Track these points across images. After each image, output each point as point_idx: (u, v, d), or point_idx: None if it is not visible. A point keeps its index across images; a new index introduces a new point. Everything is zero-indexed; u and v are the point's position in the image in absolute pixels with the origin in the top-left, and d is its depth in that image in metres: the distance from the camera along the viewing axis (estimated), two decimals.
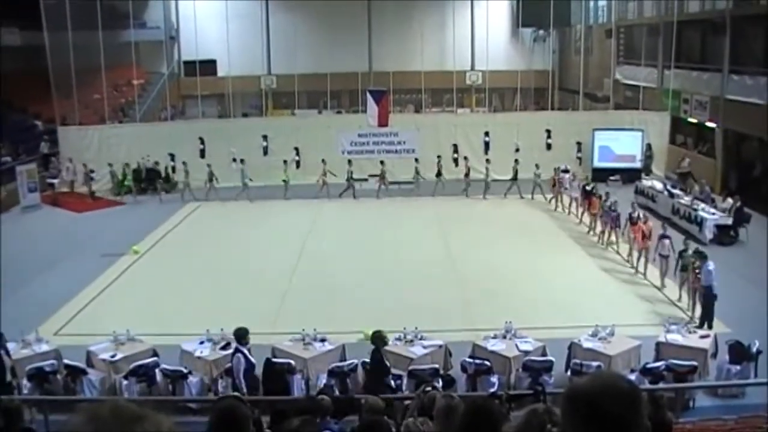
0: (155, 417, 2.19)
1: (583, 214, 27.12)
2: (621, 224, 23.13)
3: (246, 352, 12.80)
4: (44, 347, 14.72)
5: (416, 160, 32.65)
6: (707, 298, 16.65)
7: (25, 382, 13.71)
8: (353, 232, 26.69)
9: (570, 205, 28.41)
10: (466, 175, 31.59)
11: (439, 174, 31.72)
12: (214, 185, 31.44)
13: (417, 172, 32.11)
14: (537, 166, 30.40)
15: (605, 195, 24.98)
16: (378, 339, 13.36)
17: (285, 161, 32.12)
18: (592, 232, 25.44)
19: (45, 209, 30.99)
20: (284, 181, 31.46)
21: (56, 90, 34.09)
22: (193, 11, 40.11)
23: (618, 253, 23.11)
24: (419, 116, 40.03)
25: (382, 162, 32.33)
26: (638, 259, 21.31)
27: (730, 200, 25.47)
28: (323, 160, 31.63)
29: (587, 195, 26.43)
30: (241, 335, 12.85)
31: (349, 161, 32.23)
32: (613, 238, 23.84)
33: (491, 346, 14.30)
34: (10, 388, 13.09)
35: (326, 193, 31.28)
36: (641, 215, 22.07)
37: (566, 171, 29.84)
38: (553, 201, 29.47)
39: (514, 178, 30.75)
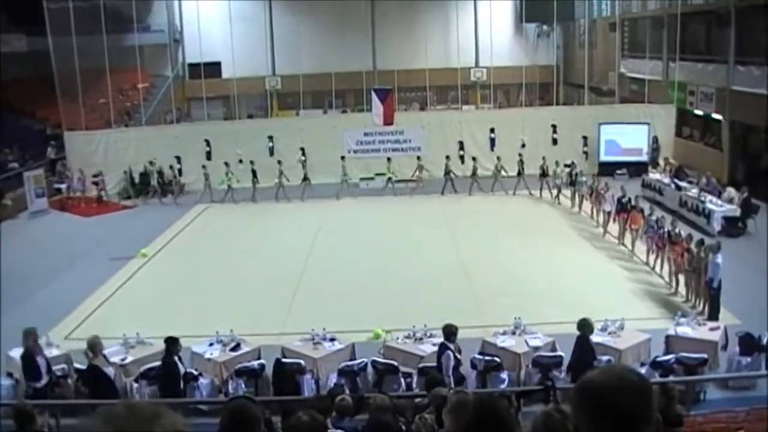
0: (171, 415, 2.22)
1: (597, 215, 25.88)
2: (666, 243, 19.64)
3: (452, 348, 12.82)
4: (54, 352, 14.73)
5: (418, 158, 32.68)
6: (710, 291, 16.62)
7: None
8: (361, 231, 26.69)
9: (581, 203, 27.83)
10: (473, 174, 31.53)
11: (447, 173, 31.63)
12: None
13: (421, 170, 32.10)
14: (557, 163, 30.10)
15: (649, 209, 22.06)
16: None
17: (279, 161, 31.96)
18: (623, 246, 23.00)
19: (53, 214, 31.08)
20: (285, 180, 31.40)
21: (62, 95, 34.16)
22: (196, 14, 40.13)
23: (660, 276, 20.23)
24: (424, 114, 39.99)
25: (419, 158, 32.40)
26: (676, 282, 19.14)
27: (731, 190, 25.43)
28: (419, 158, 31.94)
29: (624, 208, 23.21)
30: (451, 332, 12.85)
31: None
32: (650, 257, 21.12)
33: (501, 343, 14.30)
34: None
35: (422, 189, 31.41)
36: (680, 232, 19.33)
37: (569, 165, 29.68)
38: (560, 198, 29.41)
39: (520, 174, 30.70)
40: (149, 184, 33.11)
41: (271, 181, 31.46)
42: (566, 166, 29.59)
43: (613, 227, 24.29)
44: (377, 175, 32.76)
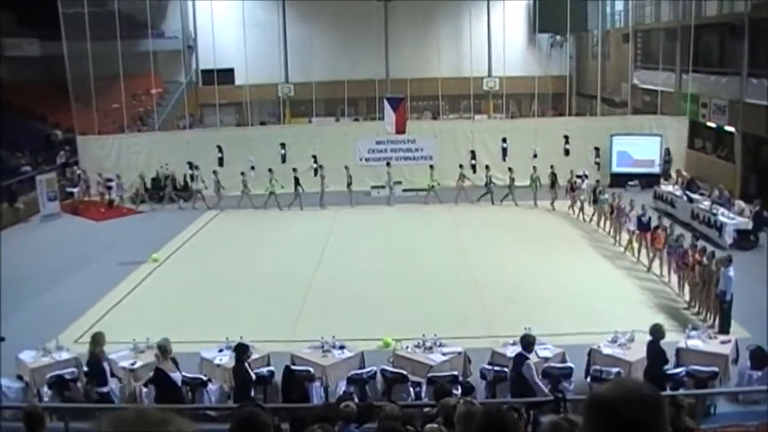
0: (180, 421, 2.23)
1: (619, 234, 24.78)
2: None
3: (530, 357, 12.54)
4: (64, 355, 14.78)
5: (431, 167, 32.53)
6: (721, 304, 16.55)
7: (45, 389, 13.81)
8: (371, 239, 26.71)
9: (603, 221, 27.01)
10: (487, 184, 31.48)
11: (488, 183, 31.41)
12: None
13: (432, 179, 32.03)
14: (579, 175, 29.78)
15: (669, 227, 21.25)
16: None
17: (294, 169, 31.90)
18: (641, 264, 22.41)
19: (65, 218, 31.20)
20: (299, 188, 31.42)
21: (75, 99, 34.36)
22: (210, 20, 40.25)
23: (679, 294, 19.68)
24: (436, 123, 39.99)
25: (461, 165, 32.05)
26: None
27: (741, 203, 25.33)
28: (461, 165, 31.78)
29: (645, 227, 22.33)
30: (529, 342, 12.64)
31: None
32: (671, 275, 20.61)
33: (510, 353, 14.24)
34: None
35: (465, 197, 31.30)
36: (699, 245, 19.05)
37: (581, 176, 29.56)
38: (573, 208, 29.12)
39: (534, 185, 30.52)
40: (162, 189, 33.17)
41: (285, 188, 31.46)
42: (578, 177, 29.44)
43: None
44: (396, 183, 32.73)
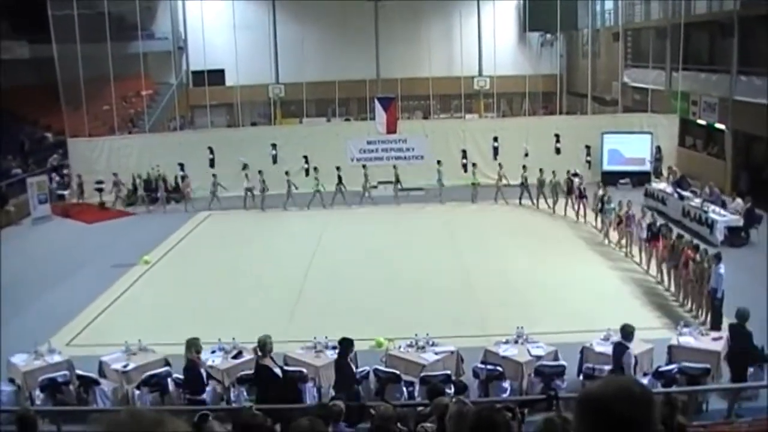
0: (174, 421, 2.23)
1: (629, 245, 23.31)
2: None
3: (630, 347, 12.64)
4: (56, 358, 14.71)
5: (439, 162, 32.27)
6: (713, 301, 16.61)
7: (38, 392, 13.76)
8: (363, 239, 26.69)
9: (585, 214, 27.38)
10: (475, 181, 31.57)
11: (500, 178, 31.18)
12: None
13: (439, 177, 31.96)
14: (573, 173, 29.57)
15: (676, 235, 20.25)
16: None
17: (287, 172, 31.84)
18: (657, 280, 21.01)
19: (56, 220, 31.10)
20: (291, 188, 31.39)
21: (65, 102, 34.26)
22: (200, 21, 40.21)
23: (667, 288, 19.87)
24: (428, 122, 39.98)
25: (500, 165, 31.33)
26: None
27: (739, 201, 25.38)
28: (500, 165, 31.27)
29: (656, 236, 21.00)
30: (629, 332, 12.71)
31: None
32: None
33: (503, 352, 14.26)
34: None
35: (501, 195, 31.11)
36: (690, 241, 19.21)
37: (576, 175, 29.56)
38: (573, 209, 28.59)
39: (524, 184, 30.44)
40: (154, 191, 33.12)
41: (277, 189, 31.46)
42: (574, 175, 29.30)
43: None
44: (381, 183, 32.68)
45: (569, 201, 28.84)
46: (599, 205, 25.72)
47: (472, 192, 31.37)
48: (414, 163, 33.70)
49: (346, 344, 12.92)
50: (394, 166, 32.62)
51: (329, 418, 8.26)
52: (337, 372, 13.10)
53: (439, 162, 32.05)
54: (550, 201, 29.47)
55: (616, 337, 14.32)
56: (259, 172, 31.48)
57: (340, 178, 31.30)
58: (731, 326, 13.54)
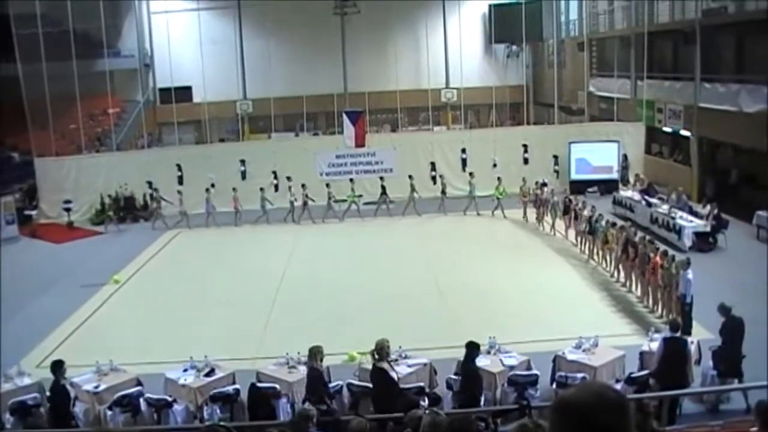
0: None
1: (617, 265, 21.62)
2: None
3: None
4: (26, 380, 14.53)
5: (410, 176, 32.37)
6: (683, 306, 16.73)
7: (7, 416, 13.56)
8: (335, 253, 26.66)
9: (553, 223, 27.61)
10: (443, 192, 31.78)
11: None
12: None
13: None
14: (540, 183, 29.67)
15: (662, 250, 19.12)
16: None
17: (262, 188, 31.84)
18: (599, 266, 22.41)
19: (24, 241, 30.77)
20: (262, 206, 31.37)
21: (32, 121, 33.93)
22: (167, 38, 40.07)
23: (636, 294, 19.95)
24: (396, 135, 40.08)
25: (524, 179, 30.75)
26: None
27: (710, 206, 25.64)
28: (524, 179, 30.63)
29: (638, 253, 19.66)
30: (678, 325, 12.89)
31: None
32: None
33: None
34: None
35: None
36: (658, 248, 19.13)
37: (545, 185, 29.67)
38: (542, 221, 28.74)
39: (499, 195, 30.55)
40: (123, 209, 32.89)
41: (247, 205, 31.42)
42: (543, 185, 29.36)
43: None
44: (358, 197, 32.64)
45: (540, 211, 28.96)
46: (587, 226, 23.93)
47: (440, 204, 31.42)
48: (386, 176, 33.64)
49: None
50: (381, 178, 32.71)
51: (302, 424, 8.21)
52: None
53: (410, 177, 32.08)
54: (534, 213, 29.36)
55: (588, 345, 14.42)
56: (233, 189, 31.40)
57: (306, 195, 31.32)
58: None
